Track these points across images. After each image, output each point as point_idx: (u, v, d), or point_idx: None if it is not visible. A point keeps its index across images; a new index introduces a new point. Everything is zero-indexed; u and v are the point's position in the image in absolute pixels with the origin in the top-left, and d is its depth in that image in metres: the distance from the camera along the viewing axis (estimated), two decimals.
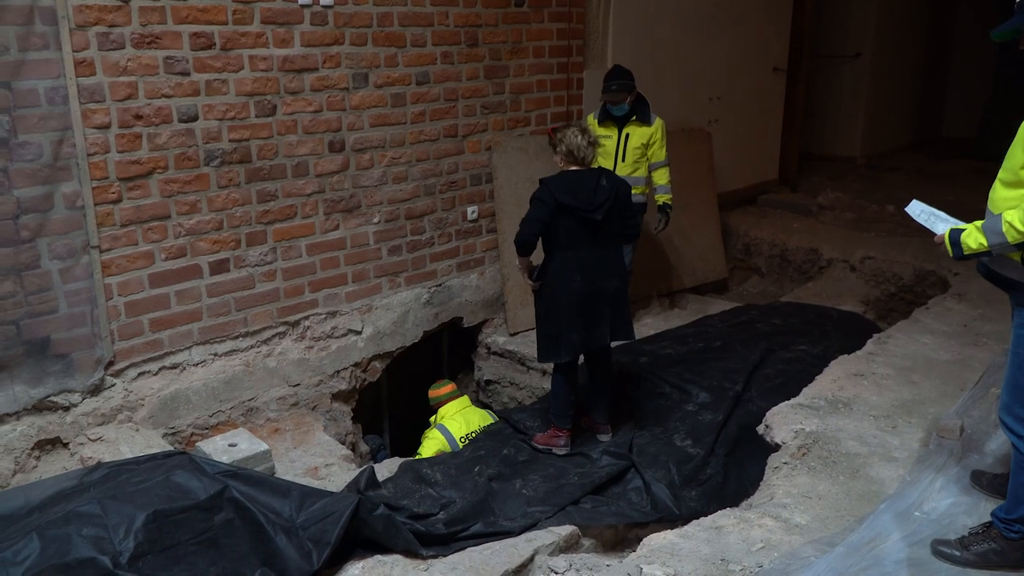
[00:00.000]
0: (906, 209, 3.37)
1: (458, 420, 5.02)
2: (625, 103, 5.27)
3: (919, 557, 3.08)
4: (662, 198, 5.57)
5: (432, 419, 5.17)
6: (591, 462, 4.36)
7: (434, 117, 5.36)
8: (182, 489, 3.32)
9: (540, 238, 4.25)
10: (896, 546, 3.14)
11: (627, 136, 5.39)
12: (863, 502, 3.48)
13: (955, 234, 3.03)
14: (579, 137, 4.18)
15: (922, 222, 3.27)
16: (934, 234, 3.16)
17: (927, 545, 3.12)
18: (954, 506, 3.38)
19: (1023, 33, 2.87)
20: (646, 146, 5.43)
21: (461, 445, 4.88)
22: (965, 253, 3.00)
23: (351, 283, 5.18)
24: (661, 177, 5.56)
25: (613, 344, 4.56)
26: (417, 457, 4.79)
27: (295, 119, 4.68)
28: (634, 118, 5.37)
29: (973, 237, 2.96)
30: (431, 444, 4.95)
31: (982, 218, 3.00)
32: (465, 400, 5.24)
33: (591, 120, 5.51)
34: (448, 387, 5.27)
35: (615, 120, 5.39)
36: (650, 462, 4.29)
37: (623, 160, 5.40)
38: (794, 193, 8.69)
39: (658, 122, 5.44)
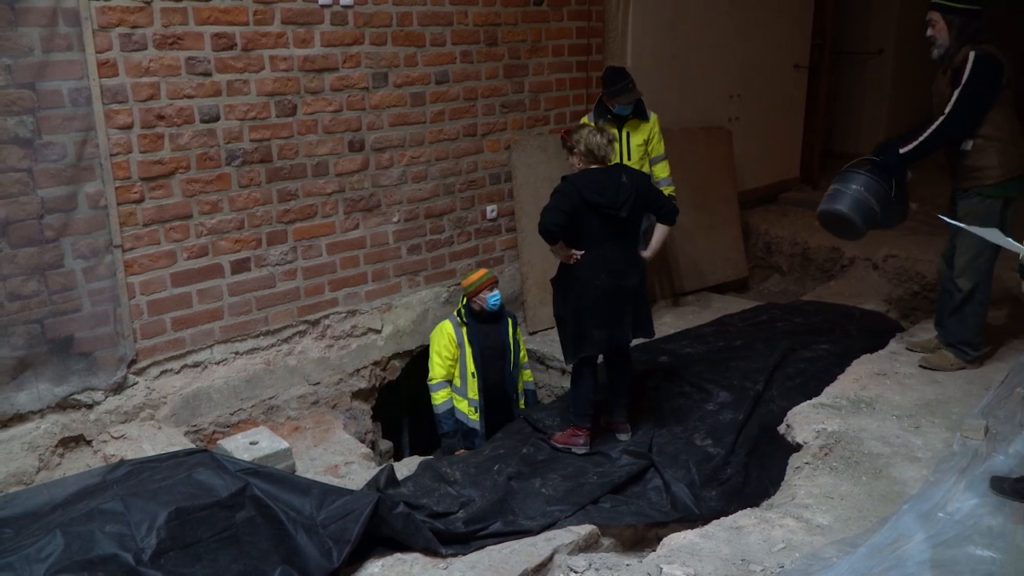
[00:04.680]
0: (970, 228, 3.29)
1: None
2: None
3: (943, 558, 3.05)
4: (667, 190, 5.54)
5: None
6: (611, 461, 4.35)
7: (453, 116, 5.37)
8: (204, 487, 3.34)
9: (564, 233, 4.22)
10: (919, 547, 3.10)
11: (628, 135, 5.38)
12: (886, 502, 3.44)
13: None
14: (597, 136, 4.16)
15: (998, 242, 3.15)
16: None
17: (951, 546, 3.08)
18: (979, 507, 3.33)
19: None
20: (647, 142, 5.43)
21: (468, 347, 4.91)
22: None
23: (371, 282, 5.20)
24: (662, 170, 5.55)
25: (633, 342, 4.55)
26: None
27: (315, 119, 4.70)
28: (631, 116, 5.36)
29: None
30: (437, 335, 4.98)
31: None
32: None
33: (586, 123, 5.45)
34: (478, 273, 5.01)
35: (614, 120, 5.35)
36: (670, 461, 4.27)
37: (629, 159, 5.38)
38: (816, 191, 8.60)
39: (654, 116, 5.45)
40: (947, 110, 4.21)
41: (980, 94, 4.16)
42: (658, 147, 5.50)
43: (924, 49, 4.37)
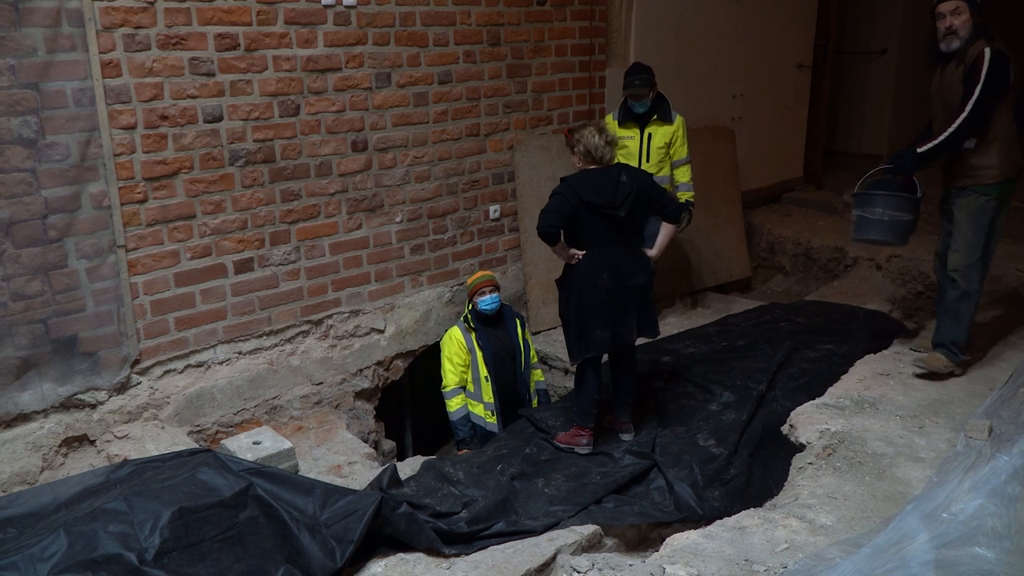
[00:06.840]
0: None
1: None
2: (647, 99, 5.23)
3: (946, 559, 3.03)
4: (684, 195, 5.53)
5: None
6: (613, 461, 4.35)
7: (456, 116, 5.37)
8: (207, 486, 3.34)
9: (563, 235, 4.22)
10: (923, 548, 3.09)
11: (649, 136, 5.36)
12: (889, 503, 3.44)
13: None
14: (596, 137, 4.16)
15: None
16: None
17: (955, 547, 3.07)
18: (982, 508, 3.33)
19: None
20: (669, 145, 5.39)
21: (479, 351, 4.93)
22: None
23: (374, 282, 5.20)
24: (683, 175, 5.52)
25: (637, 342, 4.54)
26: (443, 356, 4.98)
27: (318, 119, 4.70)
28: (655, 117, 5.34)
29: None
30: (447, 342, 5.01)
31: None
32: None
33: (610, 121, 5.46)
34: (478, 274, 5.14)
35: (636, 120, 5.35)
36: (673, 462, 4.27)
37: (647, 161, 5.37)
38: (819, 191, 8.61)
39: (679, 119, 5.40)
40: (968, 108, 4.13)
41: (998, 92, 4.12)
42: (680, 151, 5.45)
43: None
